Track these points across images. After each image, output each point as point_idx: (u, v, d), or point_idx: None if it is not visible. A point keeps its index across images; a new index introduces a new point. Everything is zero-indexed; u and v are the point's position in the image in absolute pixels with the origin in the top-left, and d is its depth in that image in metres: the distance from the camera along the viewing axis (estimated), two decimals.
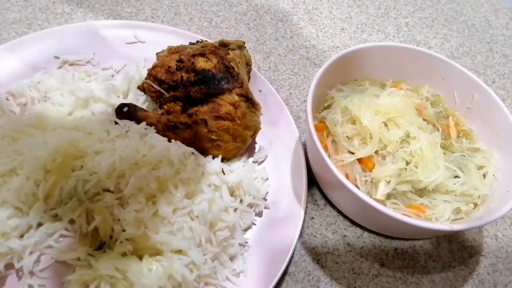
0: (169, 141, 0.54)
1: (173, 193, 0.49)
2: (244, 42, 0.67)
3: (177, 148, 0.53)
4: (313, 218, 0.58)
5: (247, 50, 0.67)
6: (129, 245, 0.46)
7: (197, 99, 0.56)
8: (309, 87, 0.54)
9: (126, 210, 0.48)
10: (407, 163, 0.51)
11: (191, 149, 0.54)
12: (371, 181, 0.51)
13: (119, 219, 0.48)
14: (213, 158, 0.56)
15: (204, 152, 0.56)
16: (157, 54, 0.63)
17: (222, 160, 0.56)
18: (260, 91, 0.66)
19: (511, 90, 0.83)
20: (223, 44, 0.65)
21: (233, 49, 0.63)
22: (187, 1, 0.85)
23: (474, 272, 0.57)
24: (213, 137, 0.54)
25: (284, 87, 0.74)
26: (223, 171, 0.55)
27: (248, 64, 0.66)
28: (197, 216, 0.49)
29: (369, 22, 0.91)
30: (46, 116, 0.56)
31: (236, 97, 0.55)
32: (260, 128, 0.59)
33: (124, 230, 0.47)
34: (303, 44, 0.83)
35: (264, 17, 0.86)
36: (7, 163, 0.49)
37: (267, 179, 0.59)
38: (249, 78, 0.67)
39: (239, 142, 0.56)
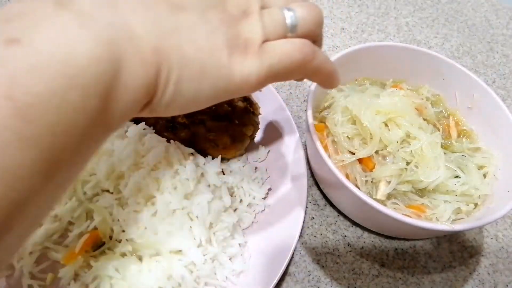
0: (168, 141, 0.54)
1: (172, 194, 0.49)
2: None
3: (176, 148, 0.53)
4: (313, 218, 0.58)
5: None
6: (128, 245, 0.46)
7: None
8: (309, 87, 0.54)
9: (125, 211, 0.48)
10: (408, 163, 0.51)
11: (190, 150, 0.54)
12: (372, 181, 0.51)
13: (118, 220, 0.48)
14: (213, 158, 0.56)
15: (202, 153, 0.56)
16: None
17: (222, 161, 0.56)
18: (260, 91, 0.66)
19: (511, 90, 0.83)
20: None
21: None
22: None
23: (475, 272, 0.57)
24: (211, 137, 0.54)
25: (284, 87, 0.74)
26: (222, 172, 0.55)
27: None
28: (197, 217, 0.49)
29: (369, 22, 0.91)
30: None
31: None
32: (259, 128, 0.59)
33: (123, 231, 0.47)
34: None
35: None
36: None
37: (267, 179, 0.59)
38: None
39: (238, 143, 0.56)
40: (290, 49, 0.32)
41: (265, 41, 0.32)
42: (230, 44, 0.30)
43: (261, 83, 0.32)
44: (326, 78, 0.37)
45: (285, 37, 0.33)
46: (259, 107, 0.59)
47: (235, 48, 0.30)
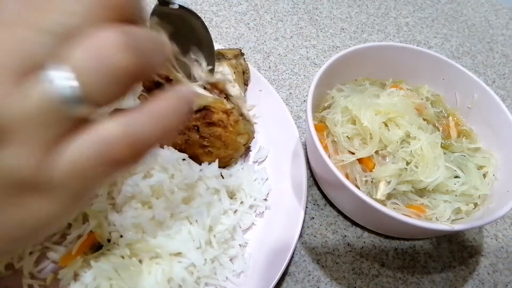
0: (161, 146, 0.53)
1: (169, 199, 0.49)
2: (241, 50, 0.66)
3: (170, 154, 0.52)
4: (313, 218, 0.58)
5: (244, 58, 0.66)
6: (127, 249, 0.46)
7: None
8: (309, 87, 0.54)
9: (122, 216, 0.47)
10: (408, 163, 0.51)
11: (184, 155, 0.53)
12: (371, 181, 0.51)
13: (114, 225, 0.47)
14: (209, 164, 0.55)
15: (195, 159, 0.55)
16: None
17: (218, 167, 0.55)
18: (260, 91, 0.66)
19: (511, 90, 0.83)
20: (219, 55, 0.63)
21: (229, 59, 0.62)
22: (187, 0, 0.85)
23: (474, 272, 0.57)
24: (205, 143, 0.53)
25: (284, 87, 0.74)
26: (221, 175, 0.54)
27: (245, 73, 0.65)
28: (196, 221, 0.49)
29: (369, 22, 0.91)
30: None
31: (228, 105, 0.54)
32: (254, 137, 0.59)
33: (121, 236, 0.47)
34: (303, 44, 0.82)
35: (264, 17, 0.86)
36: None
37: (267, 179, 0.59)
38: (246, 86, 0.66)
39: (231, 150, 0.55)
40: (90, 157, 0.20)
41: (46, 155, 0.19)
42: (4, 204, 0.20)
43: (81, 200, 0.23)
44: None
45: (80, 121, 0.20)
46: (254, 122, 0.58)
47: (14, 207, 0.20)
